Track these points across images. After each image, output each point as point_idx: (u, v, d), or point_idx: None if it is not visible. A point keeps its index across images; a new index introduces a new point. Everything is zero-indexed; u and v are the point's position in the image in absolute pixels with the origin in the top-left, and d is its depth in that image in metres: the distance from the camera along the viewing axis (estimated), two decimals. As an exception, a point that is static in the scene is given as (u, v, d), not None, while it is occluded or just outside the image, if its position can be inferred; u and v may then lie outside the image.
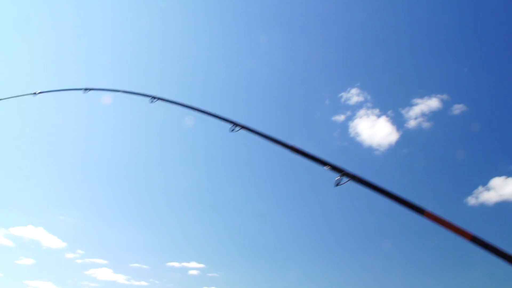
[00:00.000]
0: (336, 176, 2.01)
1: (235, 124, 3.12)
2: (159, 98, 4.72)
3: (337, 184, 1.95)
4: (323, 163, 2.17)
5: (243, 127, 3.08)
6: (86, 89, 6.31)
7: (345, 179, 2.01)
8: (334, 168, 2.06)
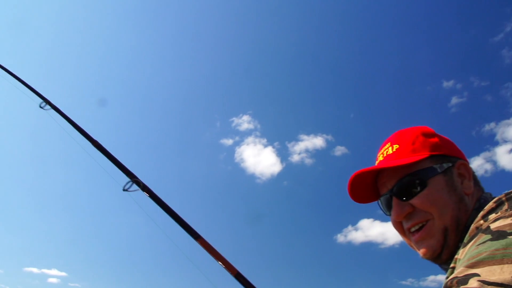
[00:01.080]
0: (127, 181, 1.76)
1: (45, 100, 2.41)
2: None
3: (125, 189, 1.71)
4: (118, 165, 1.86)
5: (54, 107, 2.43)
6: None
7: (135, 186, 1.75)
8: (128, 173, 1.79)
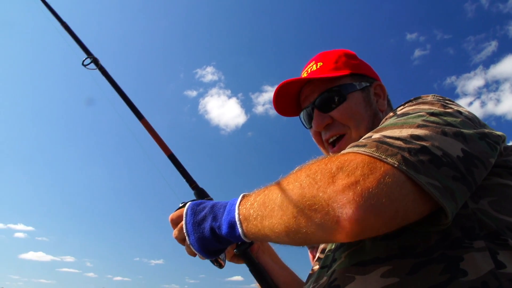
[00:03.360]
0: (85, 57, 1.62)
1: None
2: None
3: (84, 65, 1.60)
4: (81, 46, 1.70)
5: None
6: None
7: (93, 66, 1.60)
8: (85, 50, 1.64)
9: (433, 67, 31.66)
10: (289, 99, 1.21)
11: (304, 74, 1.19)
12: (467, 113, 0.82)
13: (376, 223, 0.59)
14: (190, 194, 1.22)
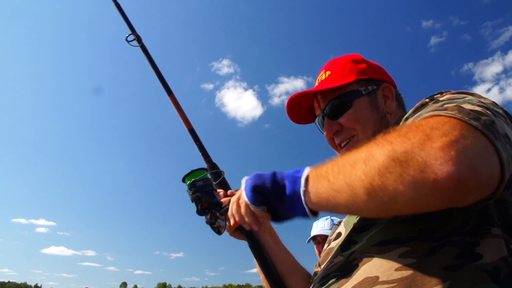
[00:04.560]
0: (129, 33, 1.73)
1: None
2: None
3: (128, 41, 1.72)
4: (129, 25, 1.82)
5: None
6: None
7: (135, 43, 1.71)
8: (131, 27, 1.75)
9: (450, 54, 30.07)
10: (303, 108, 1.29)
11: (316, 83, 1.27)
12: (499, 105, 0.84)
13: (473, 184, 0.58)
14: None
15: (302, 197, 0.76)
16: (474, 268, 0.67)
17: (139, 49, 1.65)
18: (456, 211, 0.71)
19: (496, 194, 0.64)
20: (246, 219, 0.90)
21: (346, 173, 0.68)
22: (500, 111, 0.79)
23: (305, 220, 0.82)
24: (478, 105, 0.71)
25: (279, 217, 0.88)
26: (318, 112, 1.24)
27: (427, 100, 0.90)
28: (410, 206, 0.63)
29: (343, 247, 0.92)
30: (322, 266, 0.99)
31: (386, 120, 1.15)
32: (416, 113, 0.84)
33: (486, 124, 0.63)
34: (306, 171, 0.78)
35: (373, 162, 0.63)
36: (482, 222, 0.72)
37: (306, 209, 0.76)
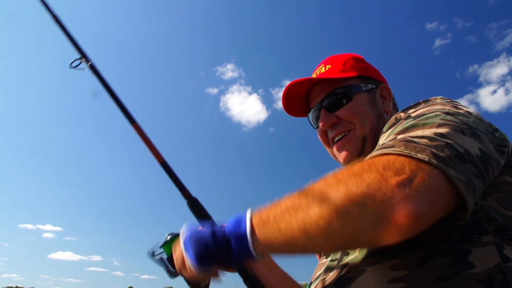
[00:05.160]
0: (76, 58, 1.52)
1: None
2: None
3: (72, 66, 1.49)
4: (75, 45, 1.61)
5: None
6: None
7: (84, 65, 1.51)
8: (78, 49, 1.55)
9: (454, 56, 31.55)
10: (298, 99, 1.25)
11: (314, 76, 1.22)
12: (475, 113, 0.85)
13: (429, 215, 0.62)
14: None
15: (253, 252, 0.72)
16: (467, 277, 0.66)
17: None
18: (445, 221, 0.71)
19: (466, 212, 0.66)
20: (203, 278, 0.90)
21: (298, 218, 0.66)
22: (470, 121, 0.78)
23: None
24: (438, 125, 0.74)
25: (231, 267, 0.86)
26: (314, 104, 1.20)
27: (401, 114, 0.90)
28: (368, 243, 0.69)
29: (334, 256, 0.92)
30: (317, 279, 0.95)
31: (383, 119, 1.14)
32: (390, 130, 0.85)
33: (435, 153, 0.65)
34: (248, 222, 0.72)
35: (329, 204, 0.63)
36: (472, 229, 0.72)
37: (257, 257, 0.73)
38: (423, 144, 0.67)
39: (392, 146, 0.70)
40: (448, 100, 0.91)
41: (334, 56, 1.25)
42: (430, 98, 0.94)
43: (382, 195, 0.60)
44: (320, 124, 1.16)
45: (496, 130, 0.85)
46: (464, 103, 0.96)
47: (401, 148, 0.67)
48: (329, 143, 1.19)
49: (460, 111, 0.82)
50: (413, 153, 0.65)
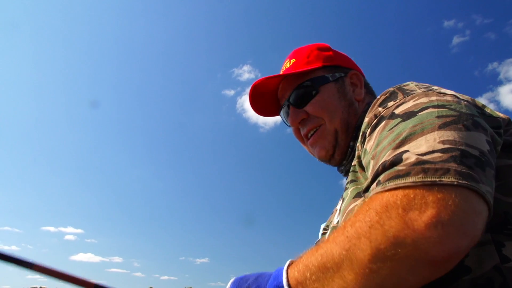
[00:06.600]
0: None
1: None
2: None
3: None
4: None
5: None
6: None
7: None
8: None
9: (473, 53, 30.56)
10: (271, 98, 1.21)
11: (281, 73, 1.18)
12: (459, 95, 0.78)
13: (468, 243, 0.54)
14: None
15: None
16: (464, 282, 0.64)
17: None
18: None
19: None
20: None
21: (333, 278, 0.59)
22: (464, 108, 0.70)
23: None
24: (439, 127, 0.64)
25: None
26: (283, 101, 1.17)
27: (380, 109, 0.81)
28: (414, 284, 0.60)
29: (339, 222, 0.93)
30: None
31: (354, 107, 1.11)
32: (376, 132, 0.76)
33: (458, 171, 0.57)
34: (284, 276, 0.66)
35: (360, 264, 0.55)
36: None
37: None
38: (440, 162, 0.58)
39: (407, 174, 0.59)
40: (424, 86, 0.83)
41: (299, 48, 1.21)
42: (402, 84, 0.87)
43: (412, 242, 0.52)
44: (290, 122, 1.14)
45: (484, 106, 0.79)
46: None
47: (419, 176, 0.57)
48: (303, 140, 1.16)
49: (447, 97, 0.74)
50: (437, 179, 0.56)
